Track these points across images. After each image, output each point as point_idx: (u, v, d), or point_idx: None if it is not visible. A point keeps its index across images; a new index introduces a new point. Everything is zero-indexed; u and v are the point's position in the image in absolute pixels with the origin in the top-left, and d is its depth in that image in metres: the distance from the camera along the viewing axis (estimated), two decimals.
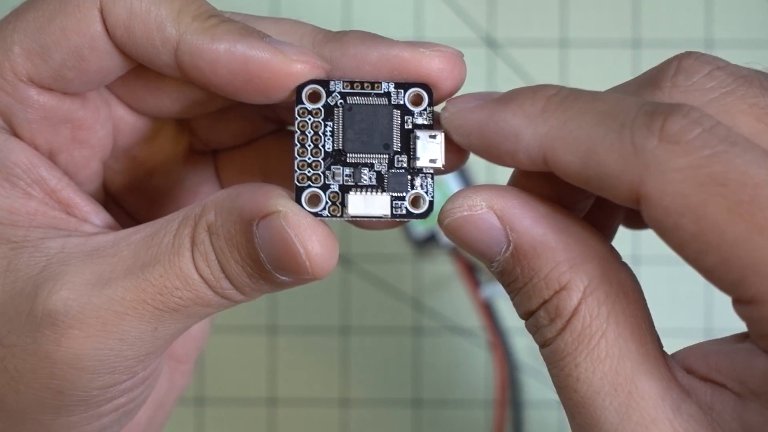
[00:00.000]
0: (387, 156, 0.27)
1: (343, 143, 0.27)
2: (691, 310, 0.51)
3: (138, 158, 0.32)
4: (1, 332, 0.27)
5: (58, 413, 0.28)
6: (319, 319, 0.51)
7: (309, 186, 0.27)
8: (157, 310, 0.27)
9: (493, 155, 0.26)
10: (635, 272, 0.26)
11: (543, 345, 0.26)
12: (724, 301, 0.23)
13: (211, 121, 0.32)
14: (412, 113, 0.27)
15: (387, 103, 0.27)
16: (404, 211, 0.27)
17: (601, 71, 0.51)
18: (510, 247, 0.25)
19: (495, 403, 0.50)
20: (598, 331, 0.25)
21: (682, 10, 0.51)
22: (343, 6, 0.51)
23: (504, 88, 0.24)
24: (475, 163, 0.40)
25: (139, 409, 0.31)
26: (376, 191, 0.27)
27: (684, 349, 0.26)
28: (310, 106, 0.27)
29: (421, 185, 0.27)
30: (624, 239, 0.46)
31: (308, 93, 0.27)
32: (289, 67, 0.26)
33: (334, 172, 0.27)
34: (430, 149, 0.27)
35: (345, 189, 0.27)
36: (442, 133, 0.27)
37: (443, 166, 0.27)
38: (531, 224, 0.25)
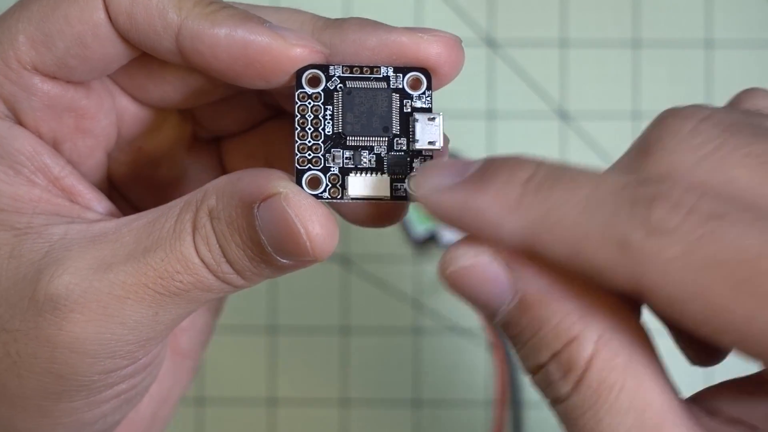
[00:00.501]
0: (386, 139, 0.27)
1: (342, 126, 0.27)
2: None
3: (142, 149, 0.32)
4: (3, 317, 0.28)
5: (60, 398, 0.28)
6: (319, 319, 0.51)
7: (309, 169, 0.27)
8: (158, 294, 0.27)
9: (476, 236, 0.25)
10: None
11: (557, 401, 0.24)
12: None
13: (213, 110, 0.33)
14: (411, 97, 0.27)
15: (386, 86, 0.27)
16: (404, 193, 0.27)
17: (601, 71, 0.51)
18: (516, 298, 0.24)
19: (495, 403, 0.50)
20: (617, 383, 0.23)
21: (682, 10, 0.52)
22: (343, 5, 0.52)
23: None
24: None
25: (140, 398, 0.31)
26: (376, 173, 0.27)
27: (703, 390, 0.25)
28: (309, 90, 0.27)
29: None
30: None
31: (308, 77, 0.27)
32: (289, 51, 0.27)
33: (334, 155, 0.27)
34: (429, 132, 0.27)
35: (345, 171, 0.27)
36: (441, 116, 0.27)
37: (441, 148, 0.27)
38: (537, 273, 0.24)
